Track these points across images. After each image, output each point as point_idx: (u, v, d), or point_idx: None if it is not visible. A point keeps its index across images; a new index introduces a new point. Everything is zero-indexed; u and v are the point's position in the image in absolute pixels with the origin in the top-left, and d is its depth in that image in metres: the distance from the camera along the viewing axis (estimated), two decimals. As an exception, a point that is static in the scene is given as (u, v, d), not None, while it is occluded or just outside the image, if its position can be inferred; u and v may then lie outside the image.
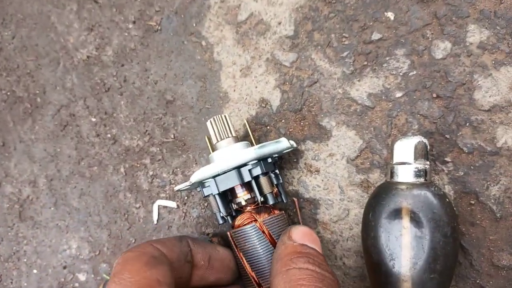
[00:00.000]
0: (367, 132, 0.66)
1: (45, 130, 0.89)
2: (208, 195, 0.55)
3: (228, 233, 0.55)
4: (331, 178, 0.67)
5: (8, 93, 0.93)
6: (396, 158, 0.57)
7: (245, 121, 0.67)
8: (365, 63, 0.67)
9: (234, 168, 0.53)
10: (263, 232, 0.53)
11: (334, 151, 0.67)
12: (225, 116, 0.60)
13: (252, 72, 0.73)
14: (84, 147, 0.85)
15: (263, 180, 0.55)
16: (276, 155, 0.59)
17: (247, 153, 0.53)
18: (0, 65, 0.95)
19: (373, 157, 0.65)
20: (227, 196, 0.56)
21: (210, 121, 0.60)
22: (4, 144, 0.92)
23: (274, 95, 0.71)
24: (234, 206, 0.56)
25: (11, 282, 0.89)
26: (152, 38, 0.81)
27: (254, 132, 0.72)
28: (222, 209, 0.54)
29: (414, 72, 0.64)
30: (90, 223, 0.84)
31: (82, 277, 0.84)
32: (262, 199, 0.55)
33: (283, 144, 0.58)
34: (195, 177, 0.53)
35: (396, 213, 0.55)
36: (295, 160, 0.69)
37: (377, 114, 0.65)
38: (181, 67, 0.78)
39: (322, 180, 0.67)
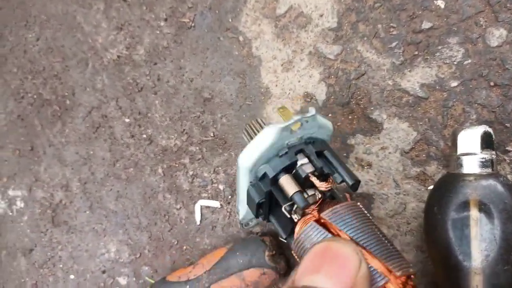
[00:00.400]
0: (421, 123, 0.64)
1: (76, 132, 0.87)
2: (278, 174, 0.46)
3: (292, 251, 0.43)
4: (384, 172, 0.66)
5: (35, 96, 0.91)
6: (461, 149, 0.56)
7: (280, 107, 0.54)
8: (416, 53, 0.65)
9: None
10: (327, 229, 0.39)
11: (386, 144, 0.66)
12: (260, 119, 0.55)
13: (295, 66, 0.71)
14: (118, 148, 0.83)
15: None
16: (309, 134, 0.49)
17: (268, 131, 0.46)
18: (25, 68, 0.92)
19: (429, 149, 0.64)
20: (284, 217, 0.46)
21: (245, 129, 0.55)
22: (32, 149, 0.90)
23: (319, 89, 0.69)
24: (295, 217, 0.45)
25: (47, 289, 0.87)
26: (185, 35, 0.79)
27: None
28: (281, 231, 0.46)
29: (469, 61, 0.62)
30: (129, 225, 0.82)
31: (123, 281, 0.82)
32: (318, 194, 0.45)
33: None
34: (241, 162, 0.47)
35: (465, 205, 0.54)
36: (345, 154, 0.68)
37: (431, 104, 0.64)
38: (218, 63, 0.77)
39: (375, 174, 0.66)
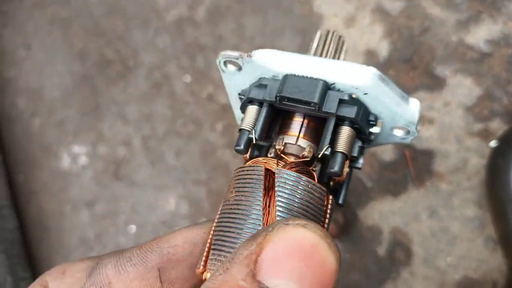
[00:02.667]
0: (485, 79, 0.64)
1: (139, 91, 0.90)
2: (254, 101, 0.33)
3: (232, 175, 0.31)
4: (446, 128, 0.66)
5: (99, 57, 0.95)
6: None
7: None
8: (481, 8, 0.65)
9: (319, 80, 0.31)
10: (266, 187, 0.28)
11: (449, 100, 0.66)
12: (342, 37, 0.39)
13: (357, 23, 0.72)
14: (179, 106, 0.87)
15: (345, 132, 0.31)
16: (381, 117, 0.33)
17: (358, 70, 0.30)
18: (89, 30, 0.96)
19: (492, 105, 0.63)
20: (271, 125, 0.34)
21: (321, 33, 0.39)
22: (97, 107, 0.95)
23: (381, 46, 0.70)
24: (271, 151, 0.33)
25: (109, 239, 0.92)
26: (246, -5, 0.81)
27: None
28: (258, 129, 0.32)
29: (539, 15, 0.61)
30: (188, 180, 0.85)
31: (182, 232, 0.86)
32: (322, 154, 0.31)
33: (411, 106, 0.33)
34: (260, 55, 0.32)
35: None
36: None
37: (496, 60, 0.63)
38: (279, 22, 0.78)
39: (436, 130, 0.66)
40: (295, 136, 0.32)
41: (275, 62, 0.32)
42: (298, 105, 0.32)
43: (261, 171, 0.28)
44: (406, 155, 0.67)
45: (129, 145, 0.89)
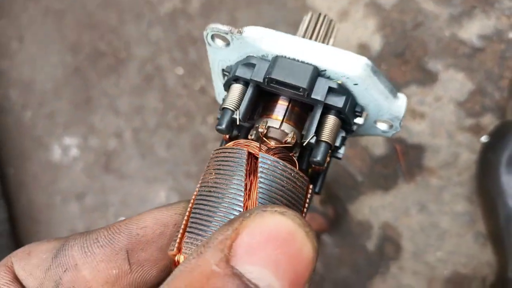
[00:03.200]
0: (477, 74, 0.64)
1: (131, 83, 0.90)
2: (239, 79, 0.31)
3: (211, 155, 0.29)
4: (437, 123, 0.66)
5: (92, 50, 0.94)
6: (520, 95, 0.55)
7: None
8: (474, 3, 0.64)
9: (310, 65, 0.30)
10: (248, 171, 0.27)
11: (440, 95, 0.65)
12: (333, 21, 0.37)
13: (350, 17, 0.71)
14: (171, 99, 0.86)
15: (331, 121, 0.30)
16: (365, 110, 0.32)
17: (351, 59, 0.29)
18: (83, 22, 0.96)
19: (483, 100, 0.63)
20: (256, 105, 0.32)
21: (312, 15, 0.37)
22: (88, 99, 0.94)
23: (374, 40, 0.70)
24: (252, 133, 0.31)
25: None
26: (240, -12, 0.81)
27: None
28: (242, 109, 0.30)
29: (531, 10, 0.61)
30: (179, 173, 0.85)
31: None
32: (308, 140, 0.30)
33: (399, 101, 0.31)
34: (252, 32, 0.30)
35: (521, 151, 0.54)
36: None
37: (488, 55, 0.63)
38: (273, 15, 0.78)
39: (428, 125, 0.66)
40: (279, 121, 0.31)
41: (267, 42, 0.30)
42: (285, 88, 0.30)
43: (244, 154, 0.27)
44: (397, 150, 0.66)
45: (120, 137, 0.89)
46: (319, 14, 0.36)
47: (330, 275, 0.69)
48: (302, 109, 0.32)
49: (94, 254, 0.28)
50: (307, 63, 0.29)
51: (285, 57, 0.30)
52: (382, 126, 0.33)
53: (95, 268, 0.28)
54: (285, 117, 0.31)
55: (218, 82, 0.36)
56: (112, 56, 0.92)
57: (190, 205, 0.28)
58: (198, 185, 0.28)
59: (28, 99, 1.02)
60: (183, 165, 0.84)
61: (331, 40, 0.37)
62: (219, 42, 0.32)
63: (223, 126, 0.30)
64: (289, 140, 0.30)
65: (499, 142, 0.56)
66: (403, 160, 0.67)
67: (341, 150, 0.33)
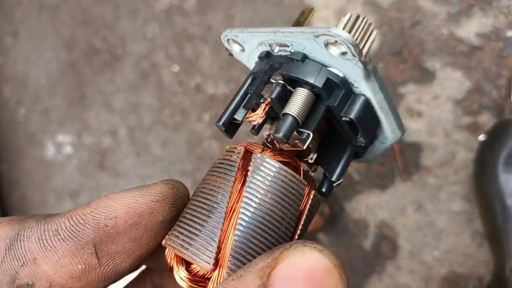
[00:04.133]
0: (474, 73, 0.63)
1: (126, 80, 0.89)
2: (301, 83, 0.29)
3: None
4: (434, 121, 0.65)
5: (87, 46, 0.93)
6: (518, 94, 0.55)
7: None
8: (472, 2, 0.64)
9: (321, 64, 0.28)
10: (238, 166, 0.26)
11: (438, 94, 0.65)
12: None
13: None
14: (166, 96, 0.85)
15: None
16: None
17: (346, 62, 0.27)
18: (78, 18, 0.95)
19: (481, 99, 0.63)
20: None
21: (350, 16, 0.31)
22: (83, 96, 0.93)
23: (371, 38, 0.69)
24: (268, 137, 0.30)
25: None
26: (237, -15, 0.80)
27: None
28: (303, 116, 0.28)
29: (529, 9, 0.61)
30: (174, 171, 0.84)
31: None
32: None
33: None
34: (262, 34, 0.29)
35: (519, 150, 0.54)
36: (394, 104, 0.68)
37: (486, 54, 0.63)
38: (269, 13, 0.77)
39: (425, 124, 0.66)
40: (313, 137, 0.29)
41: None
42: (349, 131, 0.30)
43: (239, 153, 0.26)
44: (395, 148, 0.66)
45: (114, 135, 0.88)
46: (358, 16, 0.33)
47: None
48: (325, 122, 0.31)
49: (55, 249, 0.25)
50: (379, 122, 0.30)
51: (370, 105, 0.29)
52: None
53: (57, 263, 0.25)
54: (319, 136, 0.30)
55: (257, 38, 0.33)
56: (107, 53, 0.91)
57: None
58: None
59: (22, 96, 1.01)
60: (178, 163, 0.84)
61: (367, 45, 0.34)
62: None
63: (287, 133, 0.27)
64: (298, 142, 0.28)
65: (497, 141, 0.56)
66: (400, 159, 0.66)
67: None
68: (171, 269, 0.26)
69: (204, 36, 0.82)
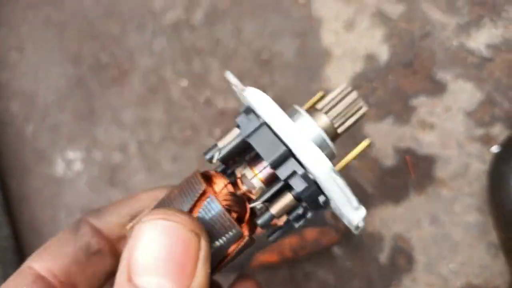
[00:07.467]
0: (486, 84, 0.63)
1: (134, 95, 0.89)
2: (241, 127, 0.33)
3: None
4: (447, 133, 0.65)
5: (94, 60, 0.93)
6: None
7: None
8: (482, 13, 0.64)
9: (287, 149, 0.32)
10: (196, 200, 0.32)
11: (450, 105, 0.65)
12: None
13: (356, 27, 0.71)
14: (176, 110, 0.85)
15: (286, 199, 0.33)
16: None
17: (317, 160, 0.31)
18: (85, 32, 0.95)
19: (493, 110, 0.63)
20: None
21: (343, 88, 0.36)
22: (91, 111, 0.93)
23: (381, 50, 0.69)
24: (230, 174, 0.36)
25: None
26: (244, -2, 0.80)
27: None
28: (224, 152, 0.34)
29: (540, 20, 0.61)
30: (185, 186, 0.84)
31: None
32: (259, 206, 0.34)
33: (357, 213, 0.32)
34: (251, 95, 0.32)
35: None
36: (406, 116, 0.68)
37: (497, 65, 0.63)
38: (277, 25, 0.77)
39: (437, 136, 0.66)
40: (254, 174, 0.34)
41: (260, 108, 0.32)
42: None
43: (201, 187, 0.32)
44: (408, 160, 0.66)
45: (124, 150, 0.88)
46: (351, 90, 0.36)
47: (343, 287, 0.69)
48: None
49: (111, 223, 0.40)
50: (284, 143, 0.32)
51: (270, 127, 0.32)
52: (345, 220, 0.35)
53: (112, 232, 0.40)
54: (260, 174, 0.34)
55: None
56: (115, 67, 0.91)
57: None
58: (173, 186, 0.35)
59: (30, 112, 1.01)
60: (189, 178, 0.84)
61: (349, 122, 0.36)
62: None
63: (206, 157, 0.35)
64: (252, 195, 0.35)
65: (510, 153, 0.56)
66: (414, 171, 0.66)
67: (300, 223, 0.34)
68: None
69: (213, 50, 0.82)
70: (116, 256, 0.36)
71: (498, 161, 0.57)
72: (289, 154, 0.32)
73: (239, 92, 0.34)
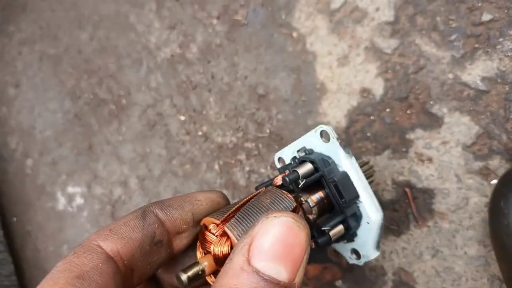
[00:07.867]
0: (483, 117, 0.64)
1: (133, 130, 0.89)
2: (315, 163, 0.48)
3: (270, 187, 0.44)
4: (445, 167, 0.65)
5: (91, 96, 0.94)
6: (529, 144, 0.55)
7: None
8: (476, 45, 0.64)
9: (356, 193, 0.49)
10: (276, 191, 0.42)
11: (447, 139, 0.65)
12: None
13: (350, 61, 0.71)
14: (174, 145, 0.86)
15: (339, 229, 0.49)
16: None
17: (376, 209, 0.49)
18: (80, 68, 0.95)
19: (491, 143, 0.63)
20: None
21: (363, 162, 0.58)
22: (90, 147, 0.93)
23: (376, 84, 0.69)
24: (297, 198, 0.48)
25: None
26: (238, 33, 0.80)
27: (356, 123, 0.70)
28: (307, 182, 0.47)
29: (534, 53, 0.61)
30: (187, 221, 0.84)
31: (182, 274, 0.85)
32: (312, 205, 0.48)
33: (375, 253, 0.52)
34: (342, 156, 0.48)
35: (534, 200, 0.54)
36: (403, 149, 0.68)
37: (493, 98, 0.63)
38: (272, 60, 0.77)
39: (436, 169, 0.66)
40: (314, 202, 0.48)
41: (345, 163, 0.48)
42: (334, 191, 0.47)
43: (293, 204, 0.41)
44: (407, 194, 0.66)
45: (124, 185, 0.88)
46: (366, 163, 0.58)
47: (347, 323, 0.69)
48: (328, 205, 0.49)
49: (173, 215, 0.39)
50: (356, 190, 0.48)
51: (348, 176, 0.48)
52: (351, 254, 0.53)
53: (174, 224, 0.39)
54: (318, 203, 0.49)
55: (289, 150, 0.55)
56: (112, 103, 0.91)
57: (247, 199, 0.41)
58: (260, 191, 0.43)
59: (28, 147, 1.01)
60: (190, 212, 0.84)
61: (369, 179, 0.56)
62: (326, 137, 0.49)
63: (287, 180, 0.46)
64: (311, 217, 0.48)
65: (510, 189, 0.56)
66: (414, 204, 0.67)
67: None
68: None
69: (208, 85, 0.82)
70: (170, 249, 0.39)
71: (497, 197, 0.57)
72: (356, 199, 0.47)
73: (335, 144, 0.48)
